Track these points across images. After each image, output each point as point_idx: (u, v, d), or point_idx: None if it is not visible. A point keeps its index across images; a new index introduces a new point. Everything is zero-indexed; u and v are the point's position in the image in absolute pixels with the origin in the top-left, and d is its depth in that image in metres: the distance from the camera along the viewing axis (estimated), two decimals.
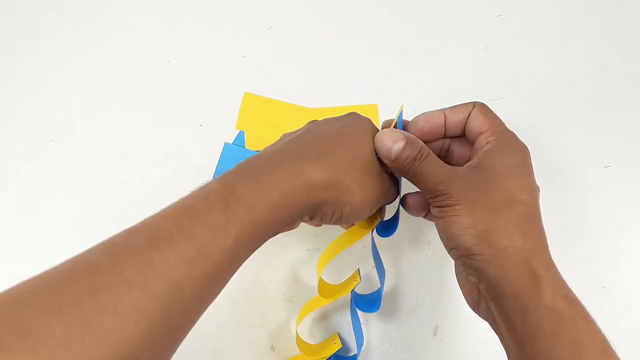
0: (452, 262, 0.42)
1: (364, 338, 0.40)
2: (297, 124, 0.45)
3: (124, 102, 0.46)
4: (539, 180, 0.44)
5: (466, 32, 0.48)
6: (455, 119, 0.33)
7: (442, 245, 0.42)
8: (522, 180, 0.29)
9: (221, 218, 0.24)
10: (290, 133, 0.33)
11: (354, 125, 0.31)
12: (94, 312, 0.19)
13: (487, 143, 0.31)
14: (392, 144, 0.30)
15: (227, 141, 0.45)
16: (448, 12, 0.49)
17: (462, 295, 0.41)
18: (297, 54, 0.47)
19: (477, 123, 0.32)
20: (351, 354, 0.40)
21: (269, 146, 0.31)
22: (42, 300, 0.19)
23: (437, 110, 0.34)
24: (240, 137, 0.45)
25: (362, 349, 0.40)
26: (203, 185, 0.26)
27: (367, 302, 0.39)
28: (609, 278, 0.42)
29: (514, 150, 0.30)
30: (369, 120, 0.33)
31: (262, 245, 0.43)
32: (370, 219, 0.36)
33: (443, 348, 0.40)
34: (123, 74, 0.47)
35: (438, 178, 0.29)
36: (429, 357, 0.40)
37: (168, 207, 0.25)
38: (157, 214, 0.24)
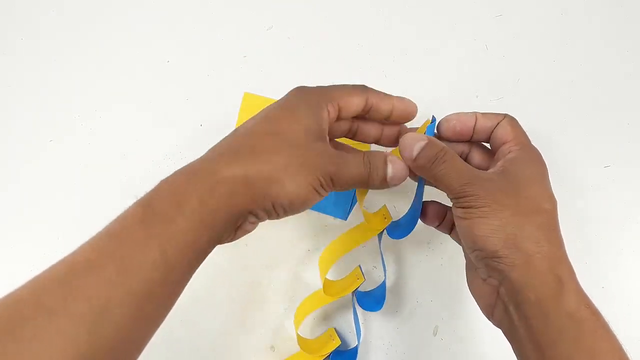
0: (452, 262, 0.42)
1: (361, 333, 0.40)
2: None
3: (124, 102, 0.46)
4: None
5: (466, 32, 0.48)
6: (485, 125, 0.33)
7: (442, 246, 0.42)
8: (544, 190, 0.30)
9: (139, 234, 0.23)
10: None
11: (282, 106, 0.30)
12: (13, 343, 0.19)
13: (509, 152, 0.31)
14: (414, 143, 0.30)
15: None
16: (448, 12, 0.49)
17: (462, 295, 0.41)
18: (297, 54, 0.47)
19: (503, 132, 0.32)
20: (350, 347, 0.40)
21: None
22: None
23: (470, 113, 0.34)
24: None
25: (361, 345, 0.40)
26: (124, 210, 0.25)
27: (371, 300, 0.39)
28: (609, 278, 0.42)
29: (536, 162, 0.31)
30: (307, 93, 0.31)
31: (262, 245, 0.43)
32: (381, 219, 0.36)
33: (443, 348, 0.40)
34: (123, 74, 0.47)
35: (464, 179, 0.29)
36: (429, 357, 0.40)
37: (93, 235, 0.24)
38: (83, 242, 0.24)
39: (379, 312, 0.41)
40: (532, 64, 0.47)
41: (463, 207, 0.29)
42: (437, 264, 0.42)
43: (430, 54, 0.47)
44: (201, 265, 0.42)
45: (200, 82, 0.46)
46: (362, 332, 0.40)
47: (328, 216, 0.43)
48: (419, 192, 0.35)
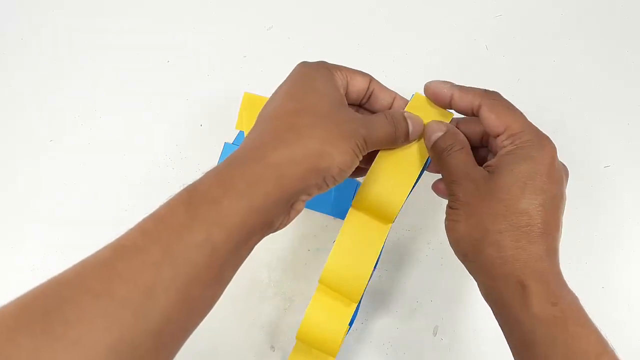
0: (452, 262, 0.42)
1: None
2: None
3: (124, 102, 0.46)
4: None
5: (466, 32, 0.48)
6: (461, 107, 0.32)
7: (442, 246, 0.42)
8: (530, 189, 0.28)
9: (184, 217, 0.23)
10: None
11: (298, 82, 0.30)
12: (59, 324, 0.19)
13: (502, 147, 0.30)
14: (434, 132, 0.31)
15: (227, 141, 0.45)
16: (448, 12, 0.49)
17: (462, 295, 0.41)
18: (297, 54, 0.47)
19: (490, 125, 0.30)
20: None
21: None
22: (9, 317, 0.19)
23: (448, 87, 0.33)
24: (240, 137, 0.45)
25: (361, 346, 0.40)
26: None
27: None
28: (609, 278, 0.42)
29: (529, 158, 0.29)
30: (314, 65, 0.31)
31: (263, 245, 0.43)
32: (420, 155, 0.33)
33: (443, 348, 0.40)
34: (123, 74, 0.47)
35: (453, 176, 0.30)
36: (429, 357, 0.40)
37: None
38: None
39: (379, 312, 0.41)
40: (532, 64, 0.47)
41: (448, 206, 0.30)
42: (437, 264, 0.42)
43: (430, 54, 0.47)
44: None
45: (200, 82, 0.46)
46: (360, 331, 0.40)
47: (328, 216, 0.43)
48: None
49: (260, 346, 0.40)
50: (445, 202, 0.44)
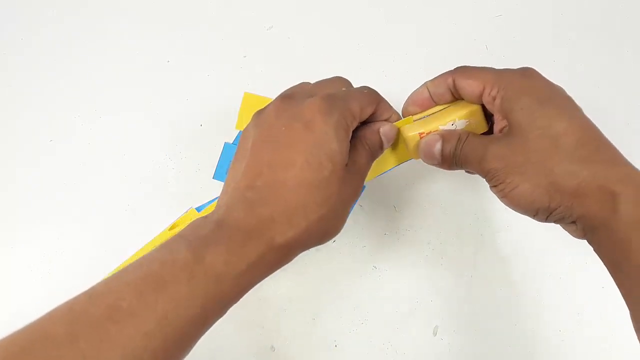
0: (452, 262, 0.42)
1: None
2: None
3: (124, 102, 0.46)
4: None
5: (466, 32, 0.48)
6: (439, 92, 0.31)
7: (442, 246, 0.42)
8: (548, 110, 0.27)
9: (186, 290, 0.23)
10: (258, 113, 0.31)
11: (311, 143, 0.27)
12: None
13: (493, 99, 0.29)
14: (433, 147, 0.30)
15: (227, 141, 0.45)
16: (448, 12, 0.49)
17: (462, 295, 0.41)
18: (297, 54, 0.47)
19: (470, 90, 0.29)
20: None
21: (232, 172, 0.29)
22: None
23: (421, 87, 0.32)
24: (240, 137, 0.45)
25: (361, 345, 0.40)
26: (171, 243, 0.25)
27: None
28: (609, 278, 0.42)
29: (522, 88, 0.28)
30: (332, 115, 0.27)
31: None
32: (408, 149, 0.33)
33: (443, 348, 0.40)
34: (123, 74, 0.47)
35: (478, 157, 0.28)
36: (429, 357, 0.40)
37: (132, 268, 0.24)
38: (120, 276, 0.23)
39: (379, 312, 0.41)
40: (532, 64, 0.47)
41: (494, 186, 0.28)
42: (437, 264, 0.42)
43: (430, 54, 0.47)
44: None
45: (200, 82, 0.46)
46: (360, 331, 0.40)
47: None
48: None
49: (260, 346, 0.40)
50: (445, 203, 0.44)
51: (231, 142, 0.45)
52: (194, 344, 0.25)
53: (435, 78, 0.31)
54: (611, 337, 0.39)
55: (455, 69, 0.31)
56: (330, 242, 0.42)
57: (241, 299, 0.41)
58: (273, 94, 0.46)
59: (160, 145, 0.45)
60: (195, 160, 0.44)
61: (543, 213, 0.28)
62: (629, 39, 0.48)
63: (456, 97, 0.31)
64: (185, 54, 0.47)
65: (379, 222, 0.42)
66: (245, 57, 0.47)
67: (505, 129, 0.28)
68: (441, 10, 0.49)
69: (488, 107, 0.30)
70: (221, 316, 0.26)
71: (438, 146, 0.30)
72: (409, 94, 0.47)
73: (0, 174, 0.44)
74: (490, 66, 0.30)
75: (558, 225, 0.43)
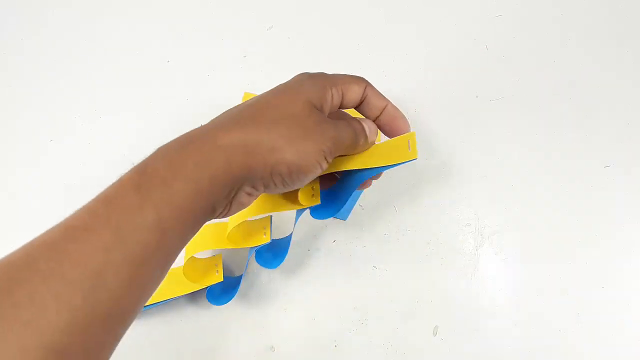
0: (452, 262, 0.42)
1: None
2: None
3: (124, 102, 0.46)
4: (539, 178, 0.44)
5: (466, 32, 0.48)
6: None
7: (442, 245, 0.42)
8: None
9: (135, 199, 0.23)
10: None
11: (287, 84, 0.31)
12: (9, 306, 0.19)
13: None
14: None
15: None
16: (448, 12, 0.49)
17: (462, 295, 0.41)
18: (297, 54, 0.47)
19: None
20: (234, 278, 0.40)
21: None
22: None
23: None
24: None
25: (361, 346, 0.40)
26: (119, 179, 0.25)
27: (270, 254, 0.39)
28: (609, 278, 0.42)
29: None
30: (312, 75, 0.32)
31: None
32: (309, 196, 0.35)
33: (443, 348, 0.40)
34: (123, 74, 0.47)
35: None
36: (429, 357, 0.40)
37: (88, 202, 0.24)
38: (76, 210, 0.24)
39: (379, 312, 0.41)
40: (532, 63, 0.47)
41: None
42: (437, 264, 0.42)
43: (430, 54, 0.47)
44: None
45: (200, 82, 0.46)
46: (360, 331, 0.41)
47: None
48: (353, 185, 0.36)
49: (260, 346, 0.40)
50: (445, 203, 0.44)
51: None
52: (162, 260, 0.24)
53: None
54: (611, 337, 0.39)
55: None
56: (330, 242, 0.42)
57: (241, 299, 0.41)
58: None
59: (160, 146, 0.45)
60: None
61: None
62: (628, 38, 0.48)
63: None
64: (185, 54, 0.47)
65: (379, 222, 0.42)
66: (245, 57, 0.47)
67: None
68: (441, 10, 0.49)
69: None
70: (186, 232, 0.25)
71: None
72: (409, 94, 0.47)
73: (0, 174, 0.44)
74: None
75: (557, 226, 0.43)
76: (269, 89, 0.31)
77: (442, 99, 0.46)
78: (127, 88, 0.46)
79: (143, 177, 0.24)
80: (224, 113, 0.30)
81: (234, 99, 0.46)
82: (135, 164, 0.26)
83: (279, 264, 0.38)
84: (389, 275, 0.42)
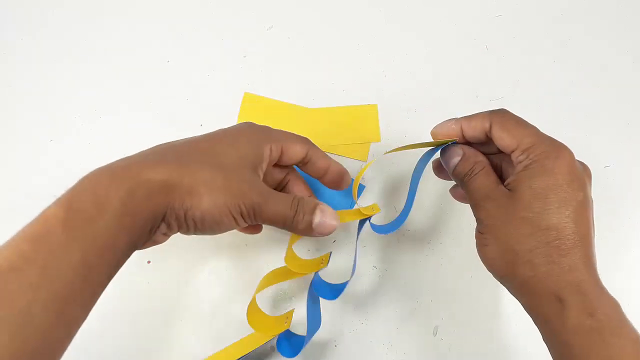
0: (452, 262, 0.42)
1: (320, 322, 0.38)
2: (297, 124, 0.45)
3: (124, 102, 0.46)
4: None
5: (466, 32, 0.48)
6: (474, 135, 0.31)
7: (442, 246, 0.42)
8: (553, 202, 0.27)
9: (61, 237, 0.23)
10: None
11: (226, 131, 0.31)
12: None
13: (518, 163, 0.29)
14: (452, 157, 0.31)
15: None
16: (448, 12, 0.49)
17: (462, 295, 0.41)
18: (297, 54, 0.47)
19: (503, 144, 0.30)
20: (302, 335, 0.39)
21: None
22: None
23: (454, 122, 0.32)
24: None
25: (361, 346, 0.40)
26: (44, 209, 0.25)
27: (328, 288, 0.38)
28: (609, 278, 0.42)
29: (546, 170, 0.28)
30: (255, 127, 0.31)
31: (262, 246, 0.43)
32: (318, 262, 0.37)
33: (443, 348, 0.40)
34: (123, 74, 0.47)
35: (476, 200, 0.30)
36: (429, 357, 0.40)
37: (13, 236, 0.24)
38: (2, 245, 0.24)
39: (379, 312, 0.41)
40: (532, 64, 0.47)
41: (477, 230, 0.30)
42: (437, 264, 0.42)
43: (430, 54, 0.47)
44: (201, 266, 0.42)
45: (200, 82, 0.46)
46: (360, 331, 0.41)
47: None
48: (411, 197, 0.36)
49: (260, 346, 0.40)
50: (445, 203, 0.44)
51: None
52: (88, 297, 0.24)
53: (471, 117, 0.31)
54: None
55: (493, 113, 0.31)
56: (330, 242, 0.42)
57: (241, 299, 0.41)
58: (273, 94, 0.46)
59: None
60: None
61: (495, 277, 0.30)
62: (628, 38, 0.48)
63: (489, 138, 0.31)
64: (185, 54, 0.47)
65: (379, 222, 0.42)
66: (245, 57, 0.47)
67: (509, 187, 0.29)
68: (441, 10, 0.49)
69: (511, 158, 0.30)
70: (111, 268, 0.26)
71: (455, 160, 0.31)
72: (409, 94, 0.47)
73: (0, 174, 0.44)
74: (528, 122, 0.30)
75: None
76: (205, 133, 0.31)
77: (442, 99, 0.46)
78: (127, 88, 0.46)
79: (69, 213, 0.24)
80: (152, 148, 0.30)
81: (234, 99, 0.46)
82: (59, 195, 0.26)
83: (335, 297, 0.37)
84: (389, 275, 0.42)
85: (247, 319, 0.36)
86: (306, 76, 0.47)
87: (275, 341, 0.40)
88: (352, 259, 0.42)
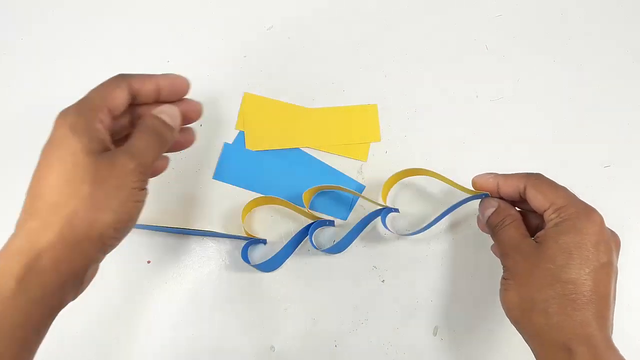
0: (452, 262, 0.42)
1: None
2: (297, 124, 0.45)
3: None
4: None
5: (466, 32, 0.48)
6: (507, 192, 0.34)
7: (442, 246, 0.42)
8: (576, 258, 0.29)
9: None
10: None
11: (54, 144, 0.29)
12: None
13: (549, 221, 0.31)
14: (486, 210, 0.34)
15: (227, 141, 0.45)
16: (448, 12, 0.49)
17: (462, 295, 0.41)
18: (297, 54, 0.47)
19: (537, 204, 0.32)
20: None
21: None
22: None
23: (493, 176, 0.35)
24: (240, 137, 0.45)
25: (361, 346, 0.40)
26: None
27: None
28: None
29: (575, 229, 0.30)
30: (69, 115, 0.29)
31: (262, 245, 0.43)
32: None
33: (443, 348, 0.40)
34: None
35: (505, 249, 0.32)
36: (429, 357, 0.40)
37: None
38: None
39: (379, 312, 0.41)
40: (532, 64, 0.47)
41: (502, 277, 0.32)
42: (437, 264, 0.42)
43: (430, 54, 0.47)
44: (201, 266, 0.42)
45: (200, 82, 0.46)
46: (360, 331, 0.41)
47: (328, 216, 0.43)
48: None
49: (260, 346, 0.40)
50: (445, 203, 0.44)
51: (231, 142, 0.45)
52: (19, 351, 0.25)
53: (508, 177, 0.34)
54: (611, 337, 0.39)
55: (529, 175, 0.33)
56: (330, 242, 0.42)
57: (241, 299, 0.41)
58: (273, 94, 0.46)
59: None
60: (195, 160, 0.44)
61: (511, 321, 0.32)
62: (628, 38, 0.48)
63: (521, 197, 0.33)
64: (185, 54, 0.47)
65: (379, 222, 0.42)
66: (245, 57, 0.47)
67: (537, 240, 0.31)
68: (441, 10, 0.49)
69: (545, 218, 0.32)
70: (29, 342, 0.25)
71: (490, 211, 0.34)
72: (409, 94, 0.47)
73: (0, 175, 0.44)
74: (561, 185, 0.32)
75: None
76: (41, 157, 0.29)
77: (442, 99, 0.46)
78: None
79: None
80: (25, 206, 0.28)
81: (234, 99, 0.46)
82: None
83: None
84: (389, 275, 0.42)
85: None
86: (306, 76, 0.47)
87: (275, 340, 0.40)
88: (351, 259, 0.42)
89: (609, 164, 0.45)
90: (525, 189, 0.32)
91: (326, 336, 0.41)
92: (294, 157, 0.44)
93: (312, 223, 0.40)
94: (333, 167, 0.44)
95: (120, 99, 0.30)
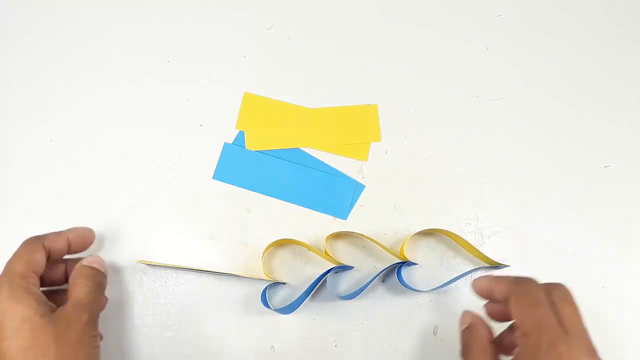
0: (451, 262, 0.42)
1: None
2: (297, 124, 0.45)
3: (124, 102, 0.46)
4: (539, 178, 0.44)
5: (466, 32, 0.48)
6: (499, 298, 0.32)
7: (442, 246, 0.42)
8: None
9: None
10: None
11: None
12: None
13: (516, 346, 0.29)
14: (462, 322, 0.33)
15: (227, 141, 0.45)
16: (448, 12, 0.49)
17: (462, 295, 0.41)
18: (297, 54, 0.47)
19: (514, 318, 0.30)
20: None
21: None
22: None
23: (489, 280, 0.32)
24: (240, 137, 0.45)
25: (360, 345, 0.40)
26: None
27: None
28: (609, 278, 0.42)
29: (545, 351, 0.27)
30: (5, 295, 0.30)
31: (262, 245, 0.43)
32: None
33: (443, 348, 0.40)
34: (123, 74, 0.47)
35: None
36: (429, 357, 0.40)
37: None
38: None
39: (379, 313, 0.41)
40: (532, 63, 0.47)
41: None
42: (437, 264, 0.42)
43: (430, 53, 0.47)
44: (201, 267, 0.42)
45: (200, 82, 0.46)
46: (360, 331, 0.41)
47: (328, 216, 0.43)
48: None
49: (260, 346, 0.40)
50: (445, 204, 0.44)
51: (231, 142, 0.45)
52: None
53: (497, 279, 0.32)
54: (611, 337, 0.39)
55: (516, 282, 0.31)
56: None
57: (241, 299, 0.41)
58: (273, 94, 0.46)
59: (160, 145, 0.45)
60: (195, 160, 0.44)
61: None
62: (628, 38, 0.48)
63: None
64: (185, 54, 0.47)
65: (379, 222, 0.42)
66: (245, 57, 0.47)
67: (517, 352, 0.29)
68: (441, 10, 0.49)
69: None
70: None
71: (462, 327, 0.33)
72: (409, 94, 0.47)
73: (0, 174, 0.44)
74: (543, 299, 0.29)
75: (557, 227, 0.43)
76: None
77: (442, 99, 0.46)
78: (127, 88, 0.46)
79: None
80: None
81: (234, 99, 0.46)
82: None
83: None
84: (389, 275, 0.42)
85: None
86: (306, 76, 0.47)
87: (275, 340, 0.40)
88: (351, 259, 0.42)
89: (609, 164, 0.45)
90: (509, 298, 0.30)
91: (326, 336, 0.41)
92: (294, 157, 0.44)
93: (331, 268, 0.39)
94: (333, 167, 0.44)
95: (41, 260, 0.33)
